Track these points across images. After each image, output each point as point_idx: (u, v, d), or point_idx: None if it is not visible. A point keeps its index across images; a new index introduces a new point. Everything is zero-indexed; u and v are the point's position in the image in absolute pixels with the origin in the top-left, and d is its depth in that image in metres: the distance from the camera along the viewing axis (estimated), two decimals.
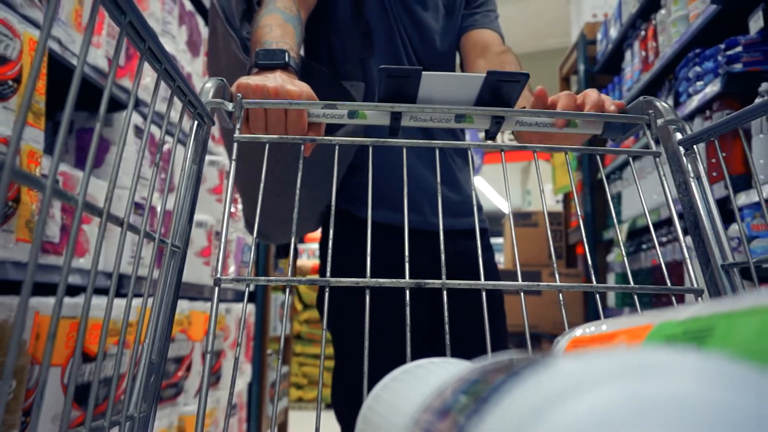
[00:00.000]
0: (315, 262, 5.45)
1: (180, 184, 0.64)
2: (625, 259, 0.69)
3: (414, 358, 0.59)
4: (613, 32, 3.44)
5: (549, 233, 0.64)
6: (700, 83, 2.26)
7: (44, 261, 1.29)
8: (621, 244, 0.65)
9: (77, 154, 1.60)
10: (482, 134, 0.85)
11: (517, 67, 1.14)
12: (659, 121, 0.76)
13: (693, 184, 0.71)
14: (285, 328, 0.59)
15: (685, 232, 0.72)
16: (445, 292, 0.66)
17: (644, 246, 2.95)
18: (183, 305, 1.91)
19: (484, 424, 0.20)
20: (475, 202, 0.94)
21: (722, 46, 2.05)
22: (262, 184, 0.69)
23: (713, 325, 0.32)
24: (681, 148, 0.73)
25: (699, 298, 0.66)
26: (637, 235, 3.09)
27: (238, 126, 0.74)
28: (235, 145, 0.71)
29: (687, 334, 0.34)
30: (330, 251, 0.67)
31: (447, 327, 0.63)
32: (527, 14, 6.47)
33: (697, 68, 2.25)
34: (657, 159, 0.76)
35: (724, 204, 1.98)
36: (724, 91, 2.07)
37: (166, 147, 1.86)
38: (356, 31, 1.14)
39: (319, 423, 0.58)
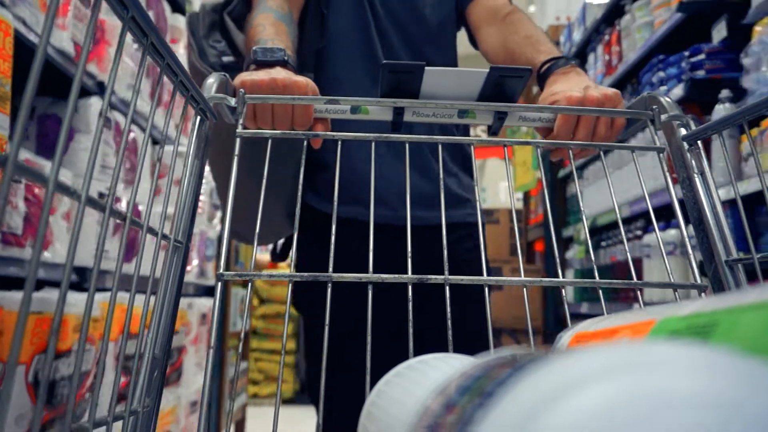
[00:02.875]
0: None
1: (182, 179, 0.65)
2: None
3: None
4: (577, 35, 3.55)
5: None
6: (663, 88, 2.34)
7: (7, 253, 1.21)
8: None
9: (38, 141, 1.52)
10: (476, 129, 0.85)
11: (530, 24, 1.08)
12: (663, 117, 0.76)
13: (697, 180, 0.71)
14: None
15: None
16: (447, 288, 0.66)
17: (603, 243, 3.04)
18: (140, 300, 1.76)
19: (488, 418, 0.20)
20: (479, 196, 0.92)
21: (686, 53, 2.17)
22: (263, 190, 0.69)
23: (717, 320, 0.31)
24: (685, 144, 0.73)
25: (702, 294, 0.66)
26: (596, 233, 3.20)
27: (240, 121, 0.74)
28: (238, 140, 0.71)
29: (690, 329, 0.34)
30: (332, 247, 0.67)
31: (449, 322, 0.63)
32: None
33: (661, 73, 2.36)
34: (660, 155, 0.75)
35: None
36: (687, 96, 2.15)
37: (135, 136, 1.81)
38: (315, 21, 1.12)
39: (320, 421, 0.58)
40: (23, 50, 1.24)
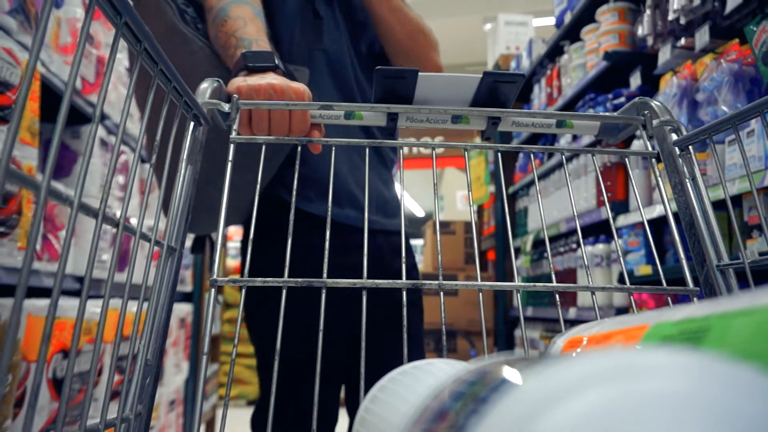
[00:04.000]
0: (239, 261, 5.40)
1: (176, 185, 0.64)
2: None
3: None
4: (525, 64, 3.91)
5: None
6: None
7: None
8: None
9: (44, 164, 1.63)
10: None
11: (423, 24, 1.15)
12: (655, 122, 0.76)
13: (688, 185, 0.71)
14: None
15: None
16: (442, 295, 0.66)
17: (546, 254, 3.22)
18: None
19: (482, 424, 0.20)
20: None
21: (610, 95, 2.54)
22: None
23: (709, 325, 0.32)
24: (676, 149, 0.73)
25: (695, 299, 0.67)
26: (541, 245, 3.51)
27: (234, 127, 0.74)
28: (232, 146, 0.71)
29: (683, 335, 0.34)
30: (327, 252, 0.67)
31: (444, 327, 0.63)
32: (443, 37, 6.66)
33: (591, 111, 2.69)
34: (652, 160, 0.76)
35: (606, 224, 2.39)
36: None
37: (127, 157, 1.92)
38: (306, 19, 1.12)
39: (314, 425, 0.58)
40: (41, 87, 1.39)
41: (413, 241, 1.26)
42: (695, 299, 0.67)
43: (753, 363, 0.26)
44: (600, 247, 2.55)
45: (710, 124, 0.69)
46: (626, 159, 0.82)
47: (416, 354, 1.14)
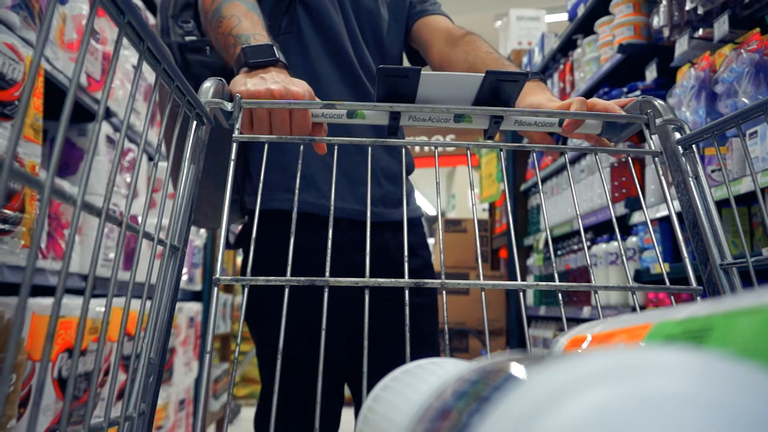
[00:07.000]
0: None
1: (179, 184, 0.64)
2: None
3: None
4: (538, 59, 3.87)
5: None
6: None
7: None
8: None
9: (50, 161, 1.63)
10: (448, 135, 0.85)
11: (487, 43, 1.12)
12: (658, 121, 0.76)
13: (692, 184, 0.71)
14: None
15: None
16: (445, 294, 0.66)
17: (559, 252, 3.29)
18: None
19: (486, 423, 0.20)
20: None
21: (625, 89, 2.48)
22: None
23: (712, 324, 0.32)
24: (680, 148, 0.73)
25: (698, 298, 0.66)
26: (552, 243, 3.40)
27: (237, 126, 0.74)
28: (234, 145, 0.71)
29: (686, 334, 0.34)
30: (329, 251, 0.67)
31: (446, 326, 0.63)
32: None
33: None
34: (656, 158, 0.76)
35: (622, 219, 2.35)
36: None
37: (135, 155, 1.95)
38: (281, 5, 1.10)
39: (317, 424, 0.58)
40: (46, 85, 1.39)
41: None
42: (698, 298, 0.67)
43: (756, 362, 0.26)
44: (615, 245, 2.51)
45: (713, 123, 0.68)
46: (639, 155, 0.81)
47: (430, 356, 1.13)
